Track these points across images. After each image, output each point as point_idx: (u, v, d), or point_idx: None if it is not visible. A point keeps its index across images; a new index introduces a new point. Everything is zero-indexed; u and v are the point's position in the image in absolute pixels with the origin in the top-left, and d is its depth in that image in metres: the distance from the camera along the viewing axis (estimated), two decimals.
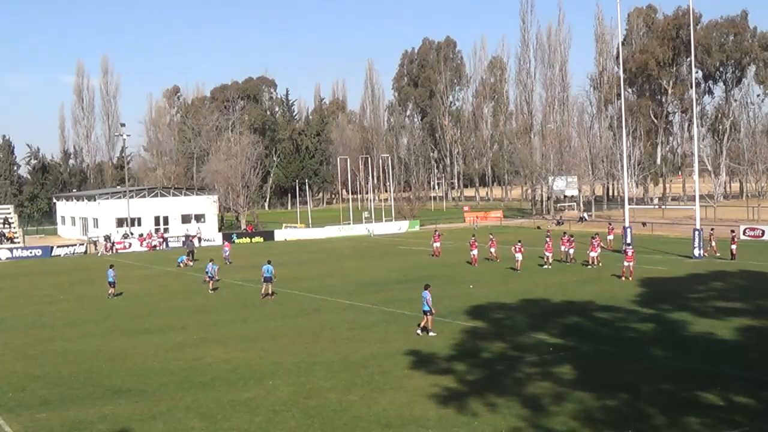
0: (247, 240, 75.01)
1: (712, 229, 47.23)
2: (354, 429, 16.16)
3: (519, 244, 43.18)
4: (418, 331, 25.24)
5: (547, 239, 44.36)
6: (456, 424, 16.09)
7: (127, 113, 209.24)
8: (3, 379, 21.68)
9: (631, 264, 37.45)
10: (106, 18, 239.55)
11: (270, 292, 34.75)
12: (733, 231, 46.78)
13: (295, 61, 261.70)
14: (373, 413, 17.08)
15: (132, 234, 73.64)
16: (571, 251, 44.59)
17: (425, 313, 25.22)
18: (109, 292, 37.35)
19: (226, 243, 61.54)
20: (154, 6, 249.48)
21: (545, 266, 42.72)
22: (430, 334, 25.07)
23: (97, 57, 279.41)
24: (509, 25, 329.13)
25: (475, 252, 45.85)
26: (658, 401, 17.15)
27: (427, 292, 25.19)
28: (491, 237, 49.32)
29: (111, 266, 38.70)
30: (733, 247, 44.37)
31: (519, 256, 42.27)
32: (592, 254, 42.70)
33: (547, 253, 43.16)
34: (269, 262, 35.26)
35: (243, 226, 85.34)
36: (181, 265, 52.06)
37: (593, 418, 16.22)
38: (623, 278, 36.90)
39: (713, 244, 45.32)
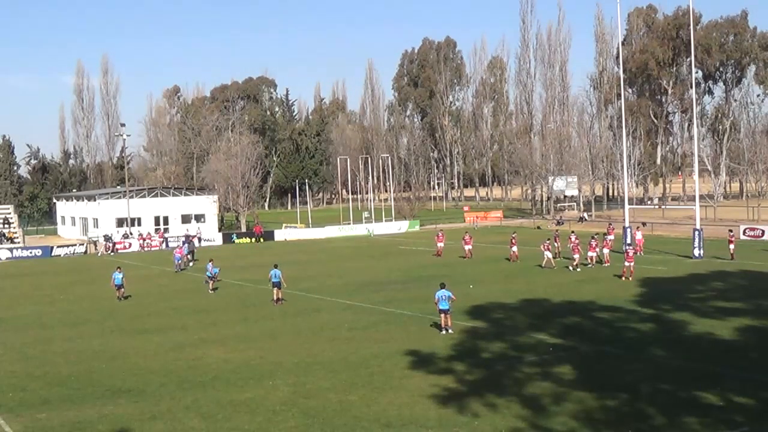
0: (247, 240, 75.04)
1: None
2: (354, 429, 16.17)
3: (547, 242, 43.50)
4: (450, 330, 25.26)
5: (575, 240, 43.13)
6: (456, 424, 16.09)
7: (127, 113, 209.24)
8: (3, 379, 21.70)
9: (632, 264, 37.48)
10: (106, 18, 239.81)
11: (278, 297, 33.41)
12: (731, 230, 46.75)
13: (295, 61, 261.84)
14: (373, 413, 17.09)
15: (132, 234, 73.57)
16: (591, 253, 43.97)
17: (444, 311, 25.28)
18: (118, 294, 36.49)
19: (178, 248, 53.40)
20: (154, 6, 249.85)
21: (571, 269, 41.16)
22: (450, 331, 25.20)
23: (97, 57, 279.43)
24: (509, 25, 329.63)
25: (515, 249, 46.71)
26: (658, 401, 17.16)
27: (447, 290, 25.36)
28: (468, 233, 52.43)
29: (118, 268, 37.69)
30: (732, 246, 44.39)
31: (548, 254, 42.47)
32: (591, 254, 42.81)
33: (575, 255, 41.84)
34: (276, 266, 34.06)
35: (243, 227, 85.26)
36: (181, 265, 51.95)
37: (593, 418, 16.23)
38: (624, 278, 36.91)
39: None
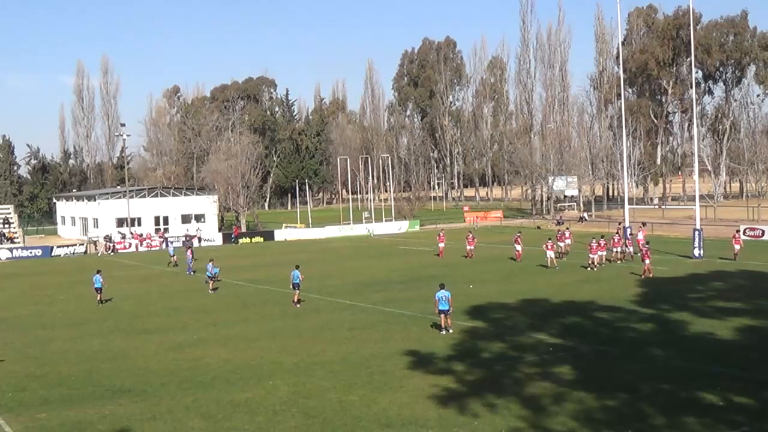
0: (248, 240, 75.05)
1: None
2: (354, 429, 16.17)
3: (549, 241, 43.74)
4: (450, 330, 25.30)
5: (593, 241, 42.84)
6: (456, 424, 16.10)
7: (127, 113, 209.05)
8: (3, 379, 21.70)
9: (648, 262, 37.84)
10: (106, 18, 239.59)
11: (296, 299, 32.82)
12: (738, 231, 46.70)
13: (295, 61, 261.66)
14: (373, 413, 17.09)
15: (131, 233, 73.44)
16: (604, 253, 43.91)
17: (444, 312, 25.31)
18: (98, 298, 35.51)
19: (189, 250, 51.44)
20: (154, 6, 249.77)
21: (589, 268, 41.20)
22: (450, 331, 25.22)
23: (97, 57, 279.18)
24: (509, 25, 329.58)
25: (519, 247, 47.03)
26: (658, 401, 17.16)
27: (447, 291, 25.42)
28: (471, 234, 52.28)
29: (98, 271, 36.39)
30: (737, 246, 44.33)
31: (551, 254, 42.72)
32: (601, 253, 42.87)
33: (591, 255, 41.61)
34: (297, 268, 33.52)
35: (243, 227, 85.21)
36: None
37: (593, 418, 16.23)
38: (643, 276, 37.37)
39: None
